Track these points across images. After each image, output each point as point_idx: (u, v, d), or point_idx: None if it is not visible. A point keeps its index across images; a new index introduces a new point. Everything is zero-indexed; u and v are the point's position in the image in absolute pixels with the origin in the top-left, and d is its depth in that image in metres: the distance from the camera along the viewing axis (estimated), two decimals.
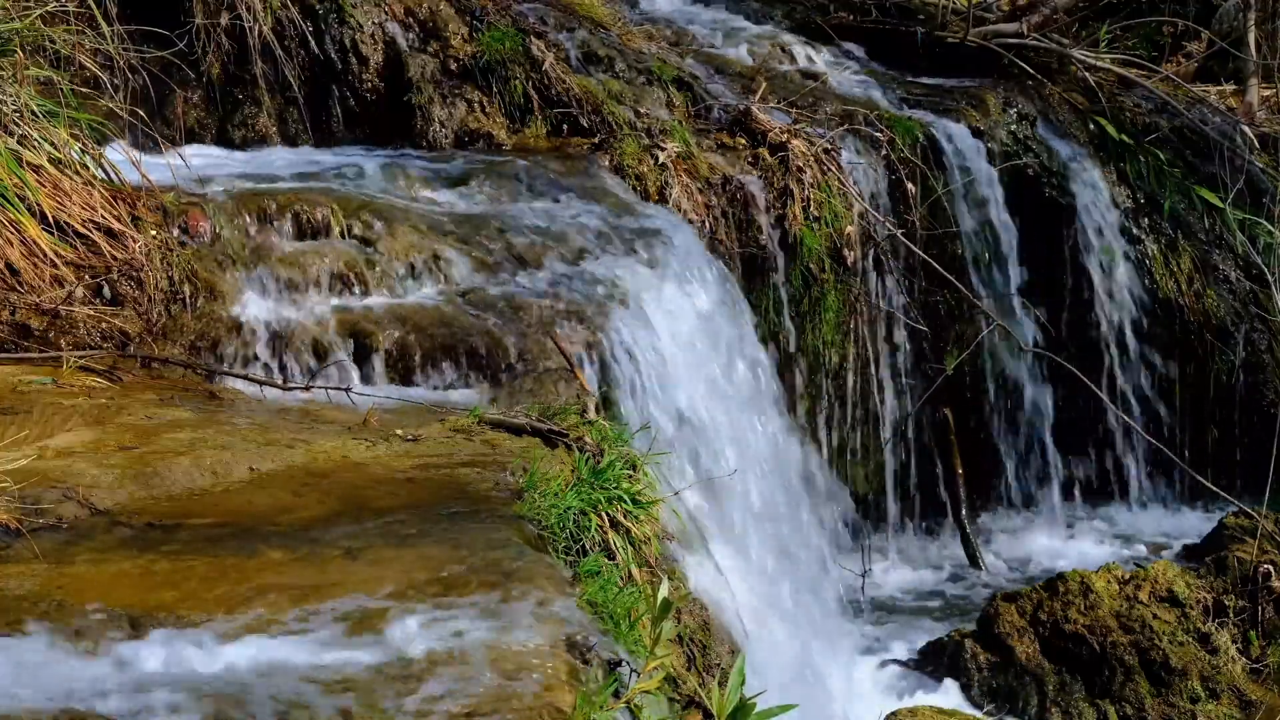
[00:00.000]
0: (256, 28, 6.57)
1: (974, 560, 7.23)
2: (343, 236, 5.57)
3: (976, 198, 7.46)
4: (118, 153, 5.62)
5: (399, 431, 4.34)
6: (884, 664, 6.21)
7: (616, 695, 3.07)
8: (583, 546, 3.84)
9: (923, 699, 5.89)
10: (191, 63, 6.53)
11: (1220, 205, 7.88)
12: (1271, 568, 5.98)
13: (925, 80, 7.97)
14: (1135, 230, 7.85)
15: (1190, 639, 5.88)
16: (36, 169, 5.18)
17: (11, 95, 5.26)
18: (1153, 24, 9.00)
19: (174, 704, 2.71)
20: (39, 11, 5.71)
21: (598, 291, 5.52)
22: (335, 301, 5.35)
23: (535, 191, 6.20)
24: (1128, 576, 6.11)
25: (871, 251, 7.03)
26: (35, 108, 5.32)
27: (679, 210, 6.46)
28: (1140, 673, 5.83)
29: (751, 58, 7.85)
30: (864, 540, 7.12)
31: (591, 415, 4.75)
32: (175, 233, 5.33)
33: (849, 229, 6.90)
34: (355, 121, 6.83)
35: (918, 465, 7.40)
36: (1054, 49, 8.14)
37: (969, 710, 5.84)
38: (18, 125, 5.23)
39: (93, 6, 5.93)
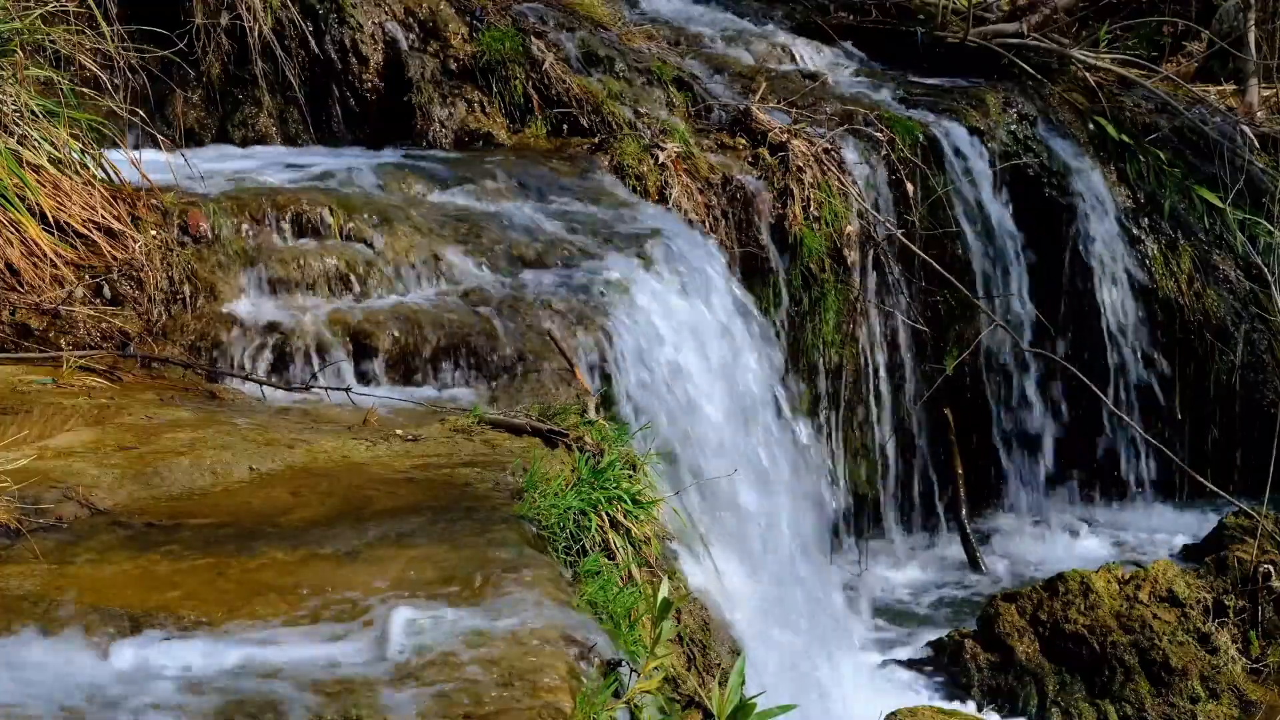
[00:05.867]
0: (256, 28, 6.57)
1: (974, 560, 7.23)
2: (343, 236, 5.57)
3: (976, 198, 7.46)
4: (118, 153, 5.61)
5: (399, 431, 4.34)
6: (884, 664, 6.22)
7: (616, 695, 3.07)
8: (583, 546, 3.84)
9: (923, 699, 5.89)
10: (191, 63, 6.53)
11: (1220, 205, 7.88)
12: (1271, 568, 5.98)
13: (925, 80, 7.97)
14: (1135, 230, 7.85)
15: (1190, 639, 5.88)
16: (36, 169, 5.17)
17: (11, 95, 5.26)
18: (1153, 24, 9.00)
19: (174, 703, 2.71)
20: (39, 11, 5.71)
21: (598, 291, 5.52)
22: (335, 301, 5.35)
23: (535, 191, 6.20)
24: (1128, 576, 6.11)
25: (871, 251, 7.03)
26: (35, 108, 5.31)
27: (679, 210, 6.46)
28: (1140, 673, 5.83)
29: (751, 58, 7.85)
30: (863, 540, 7.13)
31: (591, 415, 4.75)
32: (175, 233, 5.33)
33: (849, 229, 6.90)
34: (355, 121, 6.82)
35: (918, 465, 7.40)
36: (1054, 49, 8.14)
37: (969, 710, 5.84)
38: (18, 125, 5.23)
39: (93, 6, 5.93)
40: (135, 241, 5.18)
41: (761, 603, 5.12)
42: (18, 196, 5.02)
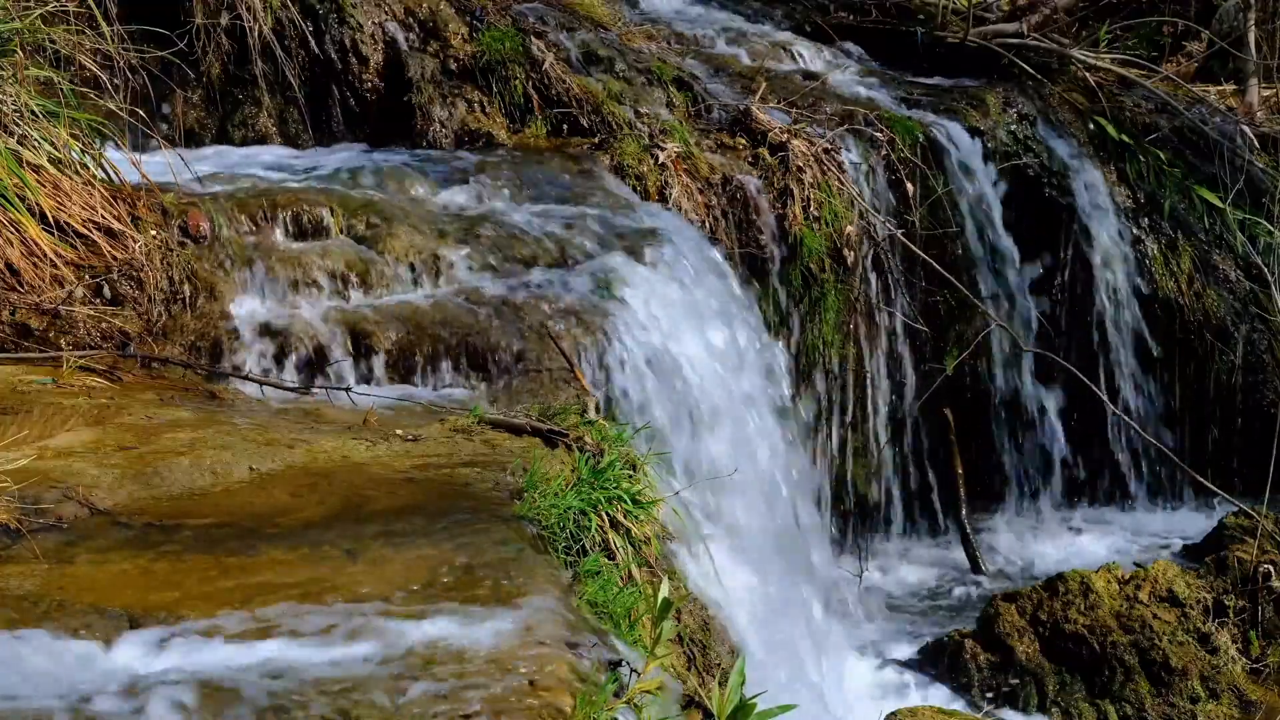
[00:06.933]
0: (256, 28, 6.57)
1: (974, 560, 7.23)
2: (342, 236, 5.57)
3: (976, 198, 7.46)
4: (118, 153, 5.61)
5: (399, 431, 4.34)
6: (884, 664, 6.21)
7: (617, 695, 3.07)
8: (583, 546, 3.84)
9: (923, 699, 5.89)
10: (191, 63, 6.53)
11: (1220, 205, 7.88)
12: (1271, 568, 5.98)
13: (925, 80, 7.97)
14: (1135, 230, 7.85)
15: (1190, 639, 5.88)
16: (36, 169, 5.17)
17: (11, 95, 5.26)
18: (1153, 24, 9.00)
19: (174, 703, 2.71)
20: (39, 11, 5.71)
21: (598, 291, 5.52)
22: (335, 301, 5.35)
23: (535, 191, 6.20)
24: (1128, 576, 6.11)
25: (871, 251, 7.03)
26: (35, 108, 5.31)
27: (679, 210, 6.46)
28: (1140, 673, 5.83)
29: (751, 58, 7.85)
30: (863, 540, 7.13)
31: (591, 415, 4.75)
32: (175, 233, 5.33)
33: (849, 229, 6.90)
34: (355, 121, 6.82)
35: (918, 465, 7.40)
36: (1054, 49, 8.14)
37: (969, 710, 5.83)
38: (18, 125, 5.23)
39: (93, 6, 5.93)
40: (135, 241, 5.18)
41: (761, 603, 5.12)
42: (18, 196, 5.02)
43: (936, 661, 6.15)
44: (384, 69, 6.81)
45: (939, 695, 5.98)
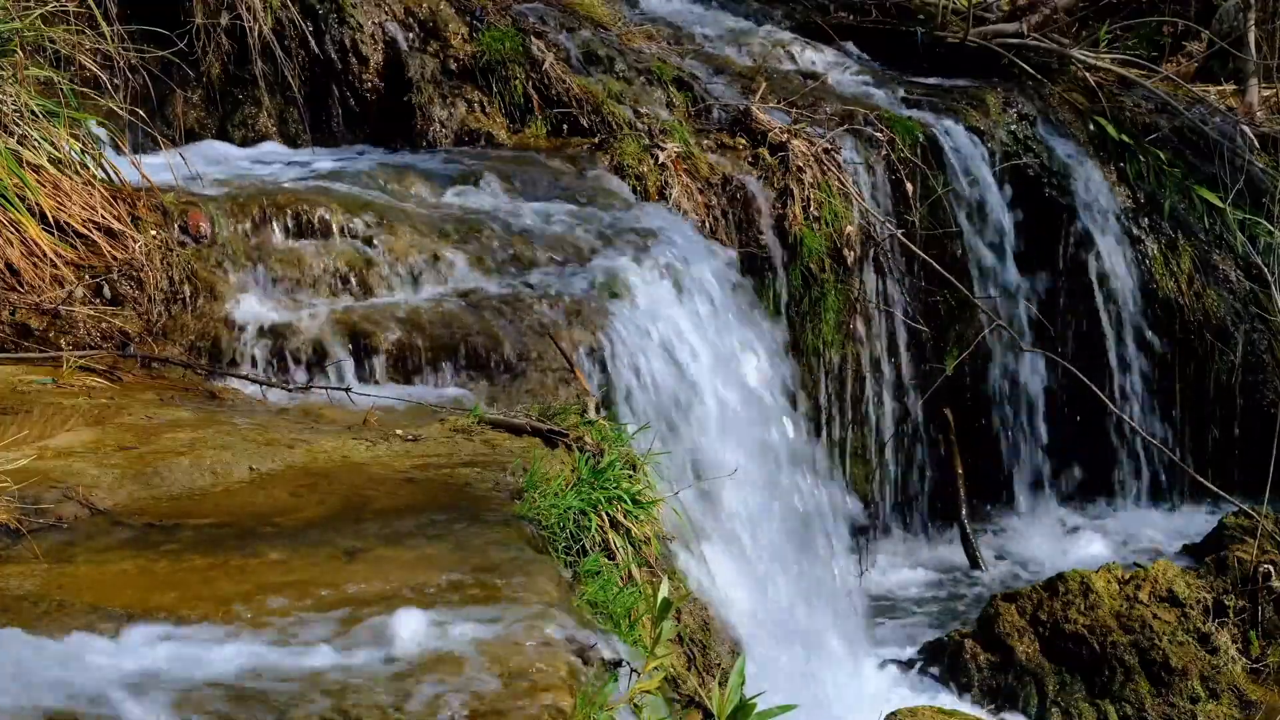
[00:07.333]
0: (256, 28, 6.57)
1: (974, 560, 7.23)
2: (343, 236, 5.57)
3: (976, 198, 7.46)
4: (118, 153, 5.61)
5: (399, 431, 4.34)
6: (884, 664, 6.21)
7: (617, 695, 3.07)
8: (583, 546, 3.84)
9: (923, 699, 5.89)
10: (191, 63, 6.53)
11: (1220, 205, 7.88)
12: (1271, 568, 5.98)
13: (925, 80, 7.97)
14: (1135, 230, 7.85)
15: (1190, 639, 5.88)
16: (36, 169, 5.18)
17: (11, 95, 5.26)
18: (1153, 24, 9.00)
19: (173, 704, 2.71)
20: (39, 11, 5.71)
21: (598, 291, 5.52)
22: (335, 301, 5.35)
23: (535, 191, 6.20)
24: (1128, 576, 6.11)
25: (871, 251, 7.03)
26: (35, 108, 5.32)
27: (679, 210, 6.46)
28: (1140, 673, 5.83)
29: (751, 58, 7.85)
30: (863, 540, 7.13)
31: (591, 415, 4.75)
32: (175, 233, 5.33)
33: (849, 229, 6.90)
34: (355, 121, 6.83)
35: (918, 465, 7.40)
36: (1054, 49, 8.15)
37: (969, 710, 5.83)
38: (18, 125, 5.23)
39: (93, 6, 5.93)
40: (135, 241, 5.18)
41: (761, 603, 5.12)
42: (18, 196, 5.02)
43: (936, 661, 6.15)
44: (384, 69, 6.81)
45: (939, 695, 5.98)
